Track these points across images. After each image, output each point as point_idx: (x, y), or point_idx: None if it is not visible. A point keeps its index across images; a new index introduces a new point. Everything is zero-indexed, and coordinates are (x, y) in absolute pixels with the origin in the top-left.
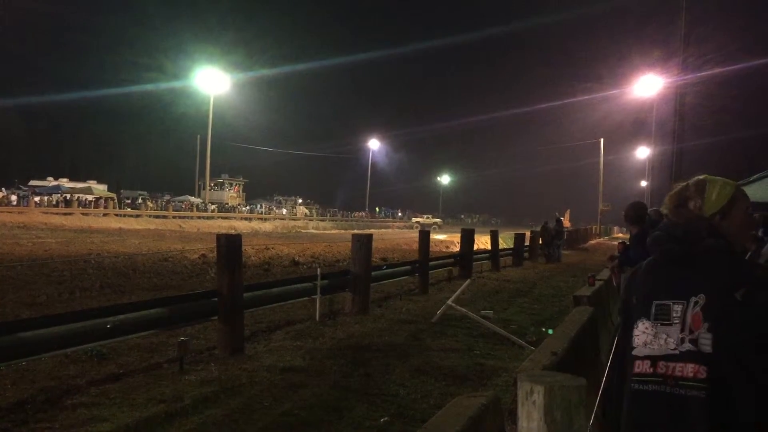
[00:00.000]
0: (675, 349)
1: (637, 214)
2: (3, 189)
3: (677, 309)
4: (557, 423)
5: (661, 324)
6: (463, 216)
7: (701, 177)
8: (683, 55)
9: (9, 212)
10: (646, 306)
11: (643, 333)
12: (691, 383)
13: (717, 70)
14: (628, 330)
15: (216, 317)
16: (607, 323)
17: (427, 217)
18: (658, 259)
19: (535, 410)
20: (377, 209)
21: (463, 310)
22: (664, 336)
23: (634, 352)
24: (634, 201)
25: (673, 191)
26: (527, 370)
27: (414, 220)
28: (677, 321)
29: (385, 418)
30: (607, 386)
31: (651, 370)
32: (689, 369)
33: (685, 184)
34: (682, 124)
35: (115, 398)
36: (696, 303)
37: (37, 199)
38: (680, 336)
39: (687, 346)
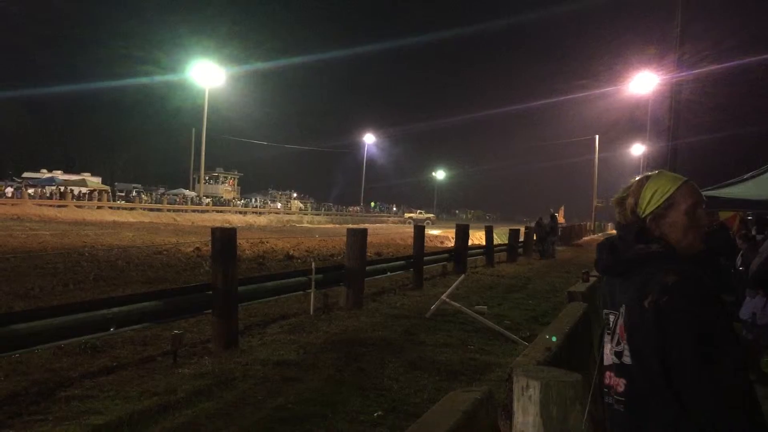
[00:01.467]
0: (611, 360)
1: None
2: None
3: (612, 319)
4: (553, 418)
5: (608, 334)
6: (457, 211)
7: (651, 173)
8: (679, 52)
9: (3, 204)
10: (602, 315)
11: (604, 343)
12: (616, 396)
13: (713, 68)
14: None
15: (210, 311)
16: (601, 320)
17: (420, 212)
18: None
19: (531, 405)
20: (372, 204)
21: (457, 305)
22: (609, 346)
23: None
24: None
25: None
26: (522, 365)
27: (407, 215)
28: (610, 332)
29: (379, 413)
30: (595, 387)
31: (605, 381)
32: (614, 381)
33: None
34: (677, 121)
35: (109, 391)
36: (621, 314)
37: (31, 191)
38: (611, 347)
39: (613, 358)
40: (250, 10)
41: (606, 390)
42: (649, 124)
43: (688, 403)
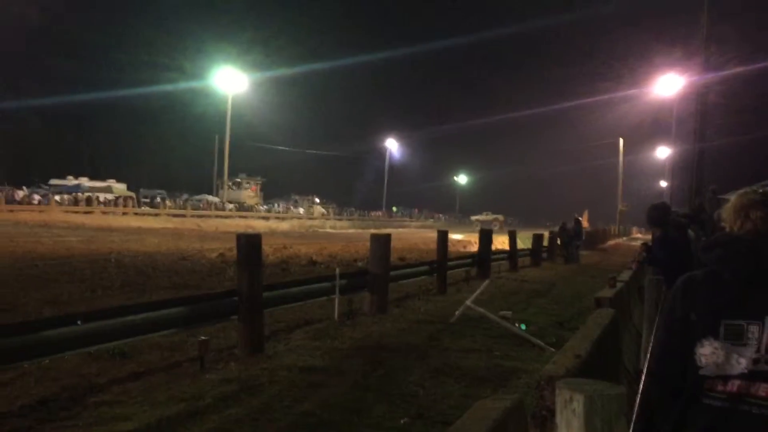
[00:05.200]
0: (746, 369)
1: (660, 216)
2: (24, 188)
3: (753, 330)
4: None
5: (732, 344)
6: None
7: None
8: (705, 53)
9: (30, 211)
10: (713, 325)
11: (712, 353)
12: (763, 402)
13: (739, 69)
14: (685, 346)
15: (236, 316)
16: (629, 326)
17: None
18: (726, 277)
19: (575, 419)
20: (394, 208)
21: (482, 310)
22: (736, 356)
23: (703, 372)
24: (657, 202)
25: (737, 201)
26: (552, 373)
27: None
28: (753, 342)
29: (405, 419)
30: (649, 396)
31: (722, 388)
32: (764, 389)
33: (747, 191)
34: (703, 123)
35: (137, 396)
36: (766, 324)
37: (57, 197)
38: (754, 356)
39: (763, 366)
40: (272, 16)
41: (733, 398)
42: (674, 127)
43: None
